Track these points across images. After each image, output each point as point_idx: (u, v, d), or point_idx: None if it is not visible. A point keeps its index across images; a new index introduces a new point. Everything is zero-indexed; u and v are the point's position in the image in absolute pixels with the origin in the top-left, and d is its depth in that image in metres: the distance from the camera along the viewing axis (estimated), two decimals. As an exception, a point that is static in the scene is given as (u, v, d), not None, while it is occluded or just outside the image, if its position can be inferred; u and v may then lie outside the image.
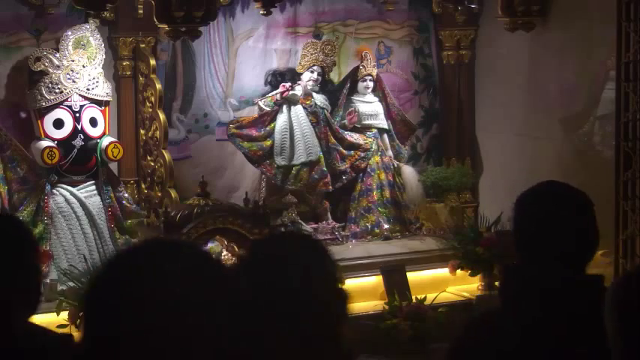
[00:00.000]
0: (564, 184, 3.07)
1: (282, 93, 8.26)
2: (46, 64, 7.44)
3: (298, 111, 8.30)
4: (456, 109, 9.03)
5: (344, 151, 8.46)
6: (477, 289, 8.07)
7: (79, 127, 7.55)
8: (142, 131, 7.90)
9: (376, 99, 8.62)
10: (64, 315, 6.77)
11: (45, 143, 7.40)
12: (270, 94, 8.31)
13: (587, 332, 2.71)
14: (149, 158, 7.86)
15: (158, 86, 7.72)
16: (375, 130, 8.59)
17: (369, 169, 8.53)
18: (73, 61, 7.50)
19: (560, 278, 2.84)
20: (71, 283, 7.04)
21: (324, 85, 8.45)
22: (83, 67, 7.53)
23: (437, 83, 9.11)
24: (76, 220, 7.47)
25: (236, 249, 7.22)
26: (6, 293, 2.68)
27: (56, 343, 2.83)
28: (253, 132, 8.19)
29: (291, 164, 8.25)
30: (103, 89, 7.63)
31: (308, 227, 8.25)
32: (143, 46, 7.84)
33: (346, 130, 8.52)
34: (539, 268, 2.87)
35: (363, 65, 8.51)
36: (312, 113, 8.34)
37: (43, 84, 7.44)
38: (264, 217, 7.34)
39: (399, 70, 9.00)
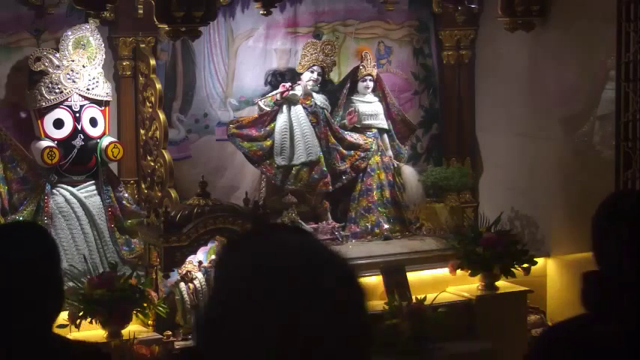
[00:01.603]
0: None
1: (282, 93, 8.26)
2: (46, 64, 7.44)
3: (298, 111, 8.30)
4: (456, 109, 9.03)
5: (344, 151, 8.46)
6: (477, 289, 8.06)
7: (79, 127, 7.55)
8: (142, 131, 7.90)
9: (376, 99, 8.62)
10: (64, 315, 6.77)
11: (45, 143, 7.40)
12: (270, 94, 8.31)
13: None
14: (149, 158, 7.86)
15: (158, 86, 7.72)
16: (375, 130, 8.59)
17: (369, 169, 8.53)
18: (73, 61, 7.50)
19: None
20: (71, 283, 7.03)
21: (324, 85, 8.45)
22: (83, 67, 7.54)
23: (437, 83, 9.11)
24: (76, 220, 7.47)
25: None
26: (42, 300, 2.77)
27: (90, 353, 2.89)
28: (253, 132, 8.19)
29: (291, 164, 8.25)
30: (103, 89, 7.63)
31: (308, 227, 8.25)
32: (143, 46, 7.85)
33: (346, 130, 8.52)
34: (622, 277, 2.84)
35: (363, 65, 8.51)
36: (312, 113, 8.34)
37: (43, 84, 7.44)
38: (264, 217, 7.33)
39: (399, 70, 9.00)
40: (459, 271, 8.04)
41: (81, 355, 2.82)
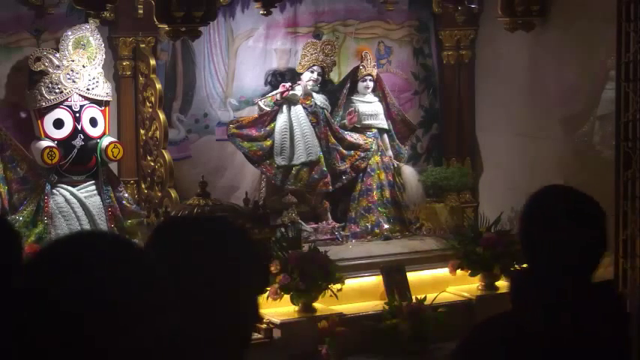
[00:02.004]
0: (573, 190, 3.04)
1: (282, 93, 8.26)
2: (46, 64, 7.44)
3: (298, 111, 8.31)
4: (456, 109, 9.03)
5: (344, 151, 8.46)
6: (477, 289, 8.07)
7: (79, 127, 7.55)
8: (142, 131, 7.90)
9: (376, 99, 8.62)
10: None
11: (45, 143, 7.41)
12: (270, 94, 8.32)
13: (601, 340, 2.71)
14: (149, 158, 7.86)
15: (158, 86, 7.72)
16: (375, 130, 8.59)
17: (369, 169, 8.53)
18: (73, 61, 7.50)
19: (572, 286, 2.83)
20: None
21: (324, 85, 8.46)
22: (83, 67, 7.54)
23: (437, 83, 9.11)
24: (76, 220, 7.47)
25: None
26: None
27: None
28: (253, 132, 8.19)
29: (291, 164, 8.25)
30: (103, 89, 7.63)
31: (308, 227, 8.25)
32: (143, 46, 7.85)
33: (346, 130, 8.52)
34: (549, 275, 2.86)
35: (363, 65, 8.51)
36: (312, 113, 8.34)
37: (43, 84, 7.44)
38: (264, 217, 7.34)
39: (399, 70, 9.00)
40: (459, 271, 8.05)
41: None
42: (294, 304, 7.48)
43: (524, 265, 3.01)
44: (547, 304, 2.81)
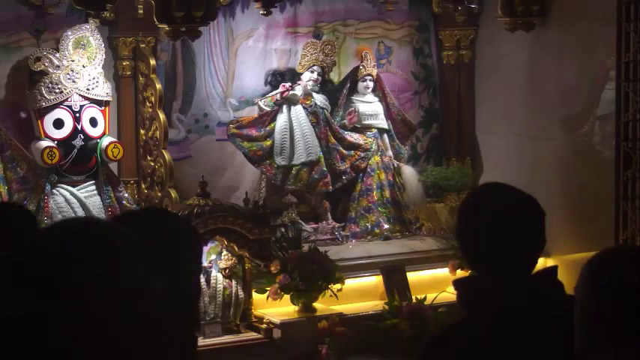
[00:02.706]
0: (507, 189, 3.00)
1: (282, 93, 8.26)
2: (46, 64, 7.44)
3: (298, 111, 8.31)
4: (456, 109, 9.03)
5: (344, 151, 8.46)
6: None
7: (79, 127, 7.55)
8: (142, 131, 7.90)
9: (376, 99, 8.62)
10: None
11: (45, 143, 7.41)
12: (270, 94, 8.32)
13: (555, 331, 2.73)
14: (149, 158, 7.86)
15: (158, 86, 7.72)
16: (375, 130, 8.59)
17: (369, 169, 8.53)
18: (73, 61, 7.50)
19: (518, 284, 2.83)
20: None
21: (324, 85, 8.45)
22: (83, 67, 7.54)
23: (437, 83, 9.11)
24: (76, 220, 7.47)
25: (236, 249, 7.23)
26: None
27: None
28: (253, 132, 8.19)
29: (291, 164, 8.25)
30: (103, 89, 7.63)
31: (308, 227, 8.25)
32: (143, 46, 7.85)
33: (346, 130, 8.52)
34: (494, 277, 2.85)
35: (363, 65, 8.51)
36: (312, 113, 8.34)
37: (43, 84, 7.44)
38: (264, 217, 7.34)
39: (399, 70, 9.00)
40: (458, 271, 8.04)
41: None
42: (294, 304, 7.48)
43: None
44: (497, 307, 2.82)
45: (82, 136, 7.55)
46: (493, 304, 2.82)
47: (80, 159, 7.55)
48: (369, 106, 8.57)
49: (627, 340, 2.41)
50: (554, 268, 2.90)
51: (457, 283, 2.92)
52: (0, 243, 2.89)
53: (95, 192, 7.58)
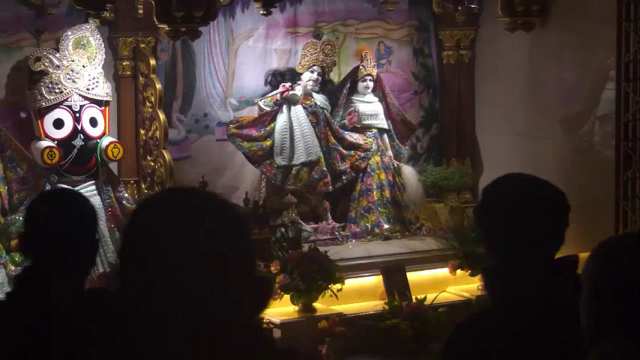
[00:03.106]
0: (532, 179, 3.03)
1: (282, 93, 8.26)
2: (46, 64, 7.44)
3: (298, 111, 8.31)
4: (456, 109, 9.03)
5: (344, 151, 8.46)
6: (477, 289, 8.06)
7: (79, 127, 7.55)
8: (142, 131, 7.90)
9: (376, 99, 8.62)
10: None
11: (45, 143, 7.40)
12: (270, 94, 8.32)
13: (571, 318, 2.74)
14: (149, 158, 7.86)
15: (158, 86, 7.72)
16: (375, 130, 8.59)
17: (369, 169, 8.53)
18: (73, 61, 7.50)
19: (542, 272, 2.88)
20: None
21: (324, 85, 8.45)
22: (83, 67, 7.54)
23: (437, 83, 9.11)
24: (76, 220, 7.46)
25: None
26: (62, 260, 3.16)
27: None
28: (253, 132, 8.19)
29: (291, 164, 8.25)
30: (103, 89, 7.63)
31: (308, 227, 8.25)
32: (143, 46, 7.84)
33: (346, 130, 8.52)
34: (520, 266, 2.90)
35: (363, 65, 8.51)
36: (312, 113, 8.34)
37: (43, 84, 7.44)
38: (264, 217, 7.33)
39: (399, 70, 9.00)
40: (459, 271, 8.05)
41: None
42: (294, 304, 7.48)
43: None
44: (521, 296, 2.85)
45: (82, 136, 7.55)
46: (510, 291, 2.85)
47: (80, 159, 7.55)
48: (369, 106, 8.57)
49: (630, 330, 2.42)
50: (574, 258, 2.93)
51: (484, 271, 2.95)
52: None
53: (95, 192, 7.58)
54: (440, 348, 3.02)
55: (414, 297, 7.72)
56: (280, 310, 7.46)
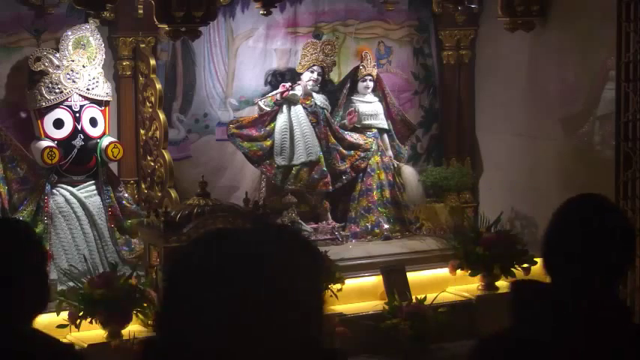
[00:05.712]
0: (606, 201, 2.99)
1: (282, 93, 8.27)
2: (46, 64, 7.44)
3: (298, 111, 8.31)
4: (456, 109, 9.03)
5: (344, 151, 8.46)
6: (477, 289, 8.07)
7: (79, 127, 7.55)
8: (142, 131, 7.90)
9: (376, 99, 8.62)
10: (64, 315, 6.77)
11: (45, 143, 7.41)
12: (270, 94, 8.32)
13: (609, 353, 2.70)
14: (149, 158, 7.86)
15: (158, 86, 7.72)
16: (375, 130, 8.59)
17: (369, 169, 8.53)
18: (73, 61, 7.50)
19: (585, 299, 2.77)
20: (71, 283, 7.04)
21: (324, 85, 8.46)
22: (83, 67, 7.54)
23: (437, 83, 9.11)
24: (76, 220, 7.47)
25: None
26: (7, 295, 2.73)
27: (58, 351, 2.86)
28: (253, 132, 8.19)
29: (291, 164, 8.25)
30: (103, 89, 7.64)
31: (308, 227, 8.25)
32: (143, 46, 7.85)
33: (346, 130, 8.52)
34: (570, 289, 2.79)
35: (363, 65, 8.51)
36: (312, 113, 8.34)
37: (43, 84, 7.44)
38: (264, 217, 7.33)
39: (399, 70, 9.00)
40: (459, 271, 8.04)
41: (52, 354, 2.80)
42: (294, 304, 7.47)
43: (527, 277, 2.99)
44: (561, 318, 2.75)
45: (82, 136, 7.55)
46: (553, 315, 2.77)
47: (80, 159, 7.55)
48: (369, 106, 8.57)
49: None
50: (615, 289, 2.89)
51: (515, 285, 2.91)
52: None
53: (95, 192, 7.58)
54: (440, 348, 3.00)
55: (414, 297, 7.72)
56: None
